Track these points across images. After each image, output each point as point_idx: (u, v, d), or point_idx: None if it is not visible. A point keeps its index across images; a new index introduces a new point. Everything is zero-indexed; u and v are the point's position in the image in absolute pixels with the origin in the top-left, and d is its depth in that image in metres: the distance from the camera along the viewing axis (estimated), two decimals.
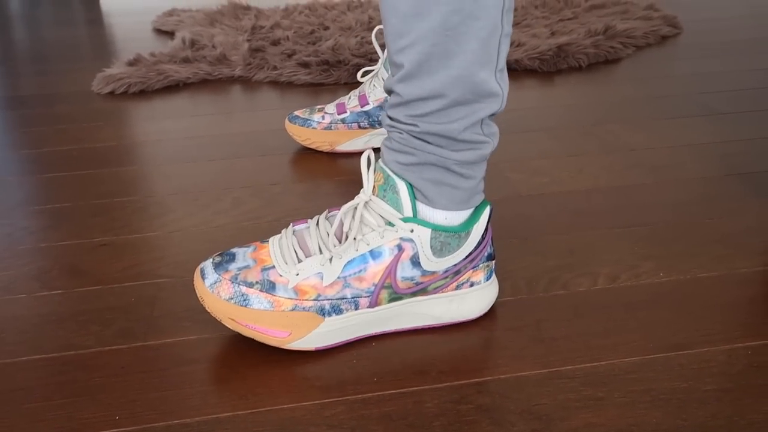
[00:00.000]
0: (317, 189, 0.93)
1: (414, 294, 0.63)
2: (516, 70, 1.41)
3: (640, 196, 0.88)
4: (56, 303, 0.69)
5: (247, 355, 0.62)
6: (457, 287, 0.64)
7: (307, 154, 1.03)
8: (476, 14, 0.52)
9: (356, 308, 0.61)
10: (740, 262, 0.73)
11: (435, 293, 0.63)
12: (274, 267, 0.61)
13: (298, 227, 0.64)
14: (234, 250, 0.64)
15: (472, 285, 0.64)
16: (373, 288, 0.61)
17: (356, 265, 0.60)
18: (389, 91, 0.59)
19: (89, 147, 1.08)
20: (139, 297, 0.70)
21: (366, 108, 1.00)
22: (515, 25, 1.67)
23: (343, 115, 1.01)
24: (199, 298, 0.62)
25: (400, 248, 0.60)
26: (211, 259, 0.63)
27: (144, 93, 1.33)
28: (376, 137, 1.03)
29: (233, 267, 0.62)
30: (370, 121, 1.01)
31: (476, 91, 0.55)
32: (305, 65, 1.38)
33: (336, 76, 1.36)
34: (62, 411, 0.56)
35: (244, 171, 0.98)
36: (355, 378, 0.59)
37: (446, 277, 0.63)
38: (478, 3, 0.52)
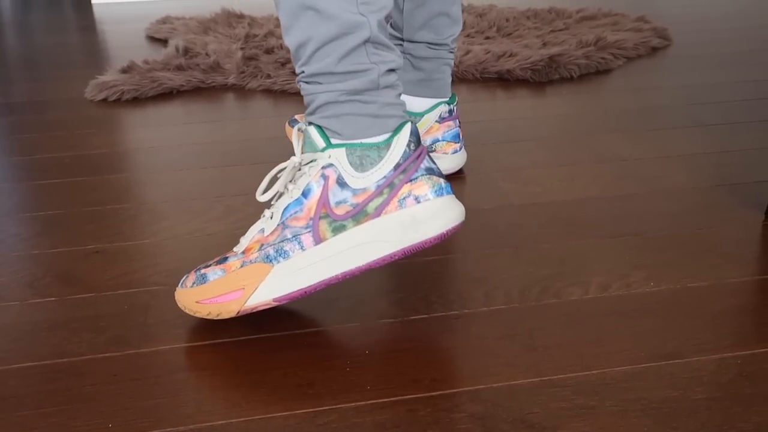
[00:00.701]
0: None
1: (356, 219, 0.62)
2: (508, 80, 1.42)
3: (631, 205, 0.89)
4: (48, 310, 0.69)
5: (240, 362, 0.62)
6: (400, 204, 0.62)
7: None
8: None
9: (301, 247, 0.63)
10: (730, 271, 0.74)
11: (378, 215, 0.62)
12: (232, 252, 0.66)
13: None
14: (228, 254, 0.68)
15: (418, 201, 0.62)
16: (311, 222, 0.62)
17: (292, 208, 0.63)
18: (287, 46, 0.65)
19: (82, 154, 1.08)
20: (132, 304, 0.70)
21: None
22: (507, 35, 1.69)
23: None
24: (178, 304, 0.66)
25: (324, 177, 0.62)
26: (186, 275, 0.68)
27: (137, 100, 1.33)
28: None
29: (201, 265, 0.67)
30: None
31: (337, 25, 0.59)
32: None
33: None
34: (54, 419, 0.56)
35: (237, 179, 0.98)
36: (347, 386, 0.59)
37: (380, 193, 0.62)
38: None
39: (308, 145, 0.63)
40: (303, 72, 0.62)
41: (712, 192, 0.92)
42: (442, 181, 0.64)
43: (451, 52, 0.96)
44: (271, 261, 0.62)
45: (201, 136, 1.14)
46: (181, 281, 0.66)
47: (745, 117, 1.19)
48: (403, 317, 0.67)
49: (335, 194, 0.62)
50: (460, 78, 1.44)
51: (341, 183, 0.62)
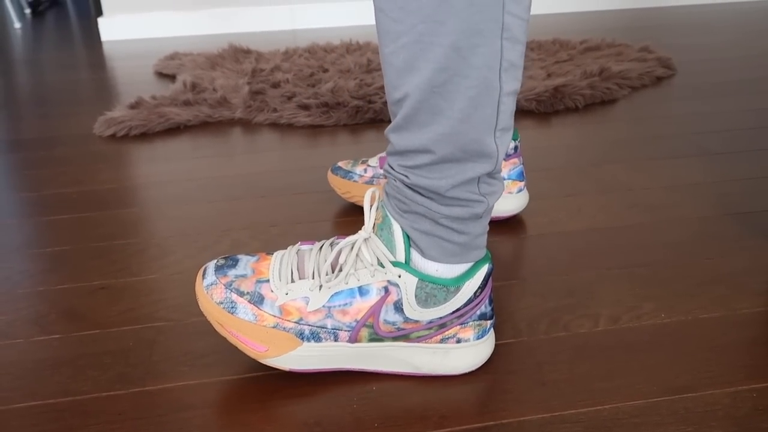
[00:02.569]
0: (316, 231, 0.93)
1: (395, 339, 0.62)
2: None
3: (638, 236, 0.88)
4: (53, 348, 0.69)
5: (247, 399, 0.61)
6: (442, 341, 0.63)
7: (307, 195, 1.04)
8: (465, 72, 0.52)
9: (335, 339, 0.62)
10: (740, 302, 0.73)
11: (417, 342, 0.63)
12: (268, 281, 0.63)
13: (303, 247, 0.65)
14: (239, 256, 0.66)
15: (459, 341, 0.63)
16: (354, 323, 0.61)
17: (343, 298, 0.61)
18: (387, 138, 0.60)
19: (89, 189, 1.08)
20: (137, 341, 0.69)
21: None
22: None
23: None
24: (196, 296, 0.64)
25: (386, 290, 0.60)
26: (215, 261, 0.65)
27: (145, 135, 1.34)
28: None
29: (232, 273, 0.64)
30: None
31: (466, 150, 0.55)
32: (305, 107, 1.40)
33: (336, 117, 1.37)
34: None
35: (243, 212, 0.98)
36: (355, 423, 0.58)
37: (430, 329, 0.62)
38: (467, 61, 0.52)
39: (386, 239, 0.60)
40: (405, 177, 0.57)
41: (720, 221, 0.91)
42: (488, 324, 0.64)
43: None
44: (303, 338, 0.61)
45: (208, 170, 1.15)
46: (207, 282, 0.62)
47: (750, 145, 1.18)
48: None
49: (387, 314, 0.60)
50: None
51: (398, 307, 0.60)
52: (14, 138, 1.36)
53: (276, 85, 1.55)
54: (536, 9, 2.56)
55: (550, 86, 1.45)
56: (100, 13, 2.79)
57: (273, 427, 0.58)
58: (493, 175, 0.58)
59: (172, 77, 1.79)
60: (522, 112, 1.42)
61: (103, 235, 0.93)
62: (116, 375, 0.64)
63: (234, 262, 0.65)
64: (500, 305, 0.74)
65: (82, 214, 1.00)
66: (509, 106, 0.55)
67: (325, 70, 1.67)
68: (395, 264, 0.59)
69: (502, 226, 0.92)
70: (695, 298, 0.74)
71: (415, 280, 0.59)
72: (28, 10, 3.12)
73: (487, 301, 0.63)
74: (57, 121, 1.45)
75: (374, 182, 0.96)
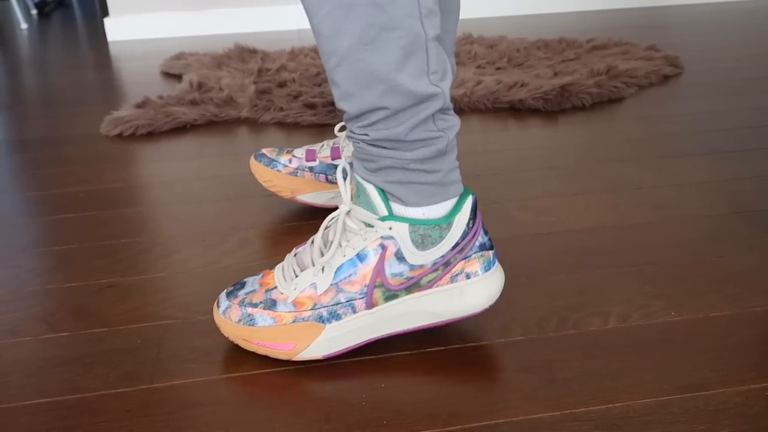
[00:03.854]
0: None
1: (408, 290, 0.63)
2: (520, 110, 1.43)
3: (647, 234, 0.88)
4: (62, 346, 0.69)
5: (255, 396, 0.61)
6: (452, 279, 0.64)
7: None
8: (391, 25, 0.54)
9: (354, 311, 0.63)
10: (752, 301, 0.73)
11: (430, 287, 0.64)
12: (276, 287, 0.65)
13: (299, 249, 0.67)
14: (245, 279, 0.68)
15: (468, 276, 0.64)
16: (365, 289, 0.62)
17: (346, 270, 0.62)
18: (340, 109, 0.61)
19: (95, 188, 1.08)
20: (145, 339, 0.69)
21: (337, 162, 0.93)
22: (518, 65, 1.70)
23: (311, 163, 0.94)
24: (218, 327, 0.65)
25: (383, 247, 0.61)
26: (224, 291, 0.67)
27: (151, 135, 1.34)
28: (340, 197, 0.95)
29: (242, 293, 0.66)
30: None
31: (412, 97, 0.57)
32: (311, 106, 1.40)
33: (341, 116, 1.37)
34: None
35: (250, 211, 0.98)
36: (364, 422, 0.58)
37: (436, 270, 0.63)
38: (390, 14, 0.54)
39: (365, 203, 0.62)
40: (366, 135, 0.60)
41: (729, 219, 0.91)
42: (491, 254, 0.65)
43: None
44: (323, 321, 0.63)
45: (214, 169, 1.14)
46: (223, 309, 0.65)
47: (758, 144, 1.18)
48: (419, 350, 0.66)
49: (392, 266, 0.62)
50: (471, 108, 1.45)
51: (399, 257, 0.62)
52: (21, 138, 1.36)
53: (282, 85, 1.55)
54: (542, 8, 2.55)
55: (556, 84, 1.44)
56: (106, 13, 2.80)
57: (281, 424, 0.58)
58: (444, 111, 0.60)
59: (178, 77, 1.79)
60: (529, 111, 1.42)
61: (110, 233, 0.93)
62: (124, 373, 0.64)
63: (242, 285, 0.67)
64: (509, 303, 0.73)
65: (88, 213, 1.00)
66: (435, 50, 0.57)
67: None
68: (383, 218, 0.61)
69: (508, 224, 0.91)
70: (705, 296, 0.74)
71: (406, 225, 0.61)
72: (34, 11, 3.13)
73: (482, 231, 0.64)
74: (63, 121, 1.45)
75: (298, 174, 0.94)
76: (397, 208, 0.62)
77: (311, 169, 0.94)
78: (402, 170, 0.60)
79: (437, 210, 0.62)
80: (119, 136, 1.34)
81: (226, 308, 0.65)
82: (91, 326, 0.72)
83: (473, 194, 0.63)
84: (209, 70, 1.71)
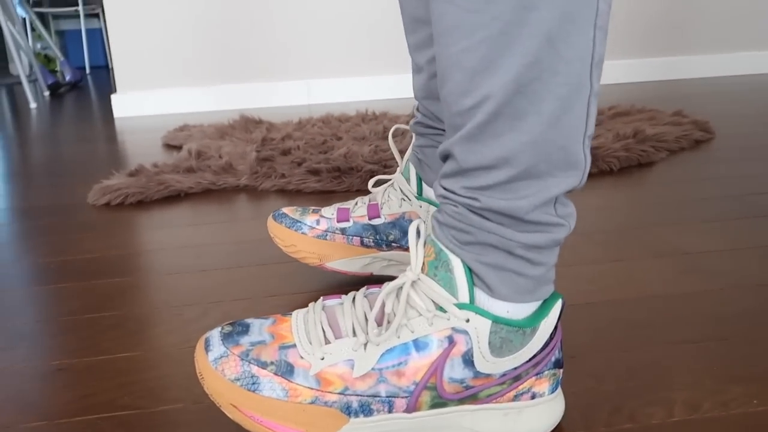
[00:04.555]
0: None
1: (462, 401, 0.49)
2: None
3: (704, 304, 0.74)
4: None
5: None
6: (516, 397, 0.50)
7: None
8: (556, 68, 0.42)
9: (390, 410, 0.49)
10: None
11: (486, 402, 0.50)
12: (295, 346, 0.50)
13: (329, 302, 0.53)
14: (249, 320, 0.53)
15: (533, 397, 0.51)
16: (413, 387, 0.48)
17: (396, 356, 0.48)
18: (444, 156, 0.49)
19: (69, 259, 0.97)
20: None
21: (375, 222, 0.79)
22: None
23: (344, 224, 0.79)
24: (198, 375, 0.50)
25: (451, 341, 0.48)
26: (219, 329, 0.52)
27: (142, 204, 1.24)
28: (379, 262, 0.81)
29: (245, 341, 0.50)
30: (376, 239, 0.79)
31: (552, 161, 0.45)
32: (315, 172, 1.29)
33: (348, 183, 1.26)
34: None
35: (239, 282, 0.85)
36: None
37: (503, 383, 0.49)
38: (560, 55, 0.42)
39: (443, 280, 0.48)
40: (475, 200, 0.46)
41: None
42: (560, 373, 0.53)
43: None
44: (349, 413, 0.49)
45: (205, 237, 1.03)
46: (215, 356, 0.49)
47: None
48: None
49: (454, 368, 0.48)
50: None
51: (467, 360, 0.48)
52: (4, 207, 1.26)
53: (286, 153, 1.45)
54: None
55: None
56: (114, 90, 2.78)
57: None
58: (567, 193, 0.48)
59: (179, 148, 1.71)
60: None
61: (75, 308, 0.80)
62: None
63: (245, 328, 0.52)
64: None
65: (55, 285, 0.87)
66: (595, 108, 0.46)
67: (339, 138, 1.58)
68: (461, 306, 0.47)
69: None
70: None
71: (488, 323, 0.47)
72: (46, 93, 3.13)
73: (559, 345, 0.51)
74: (52, 191, 1.36)
75: (327, 237, 0.79)
76: (481, 298, 0.48)
77: (343, 231, 0.79)
78: (505, 254, 0.47)
79: (523, 310, 0.49)
80: (107, 205, 1.24)
81: (221, 356, 0.49)
82: (29, 419, 0.58)
83: (562, 297, 0.50)
84: (211, 140, 1.63)
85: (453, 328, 0.48)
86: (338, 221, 0.80)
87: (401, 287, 0.49)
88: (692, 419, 0.54)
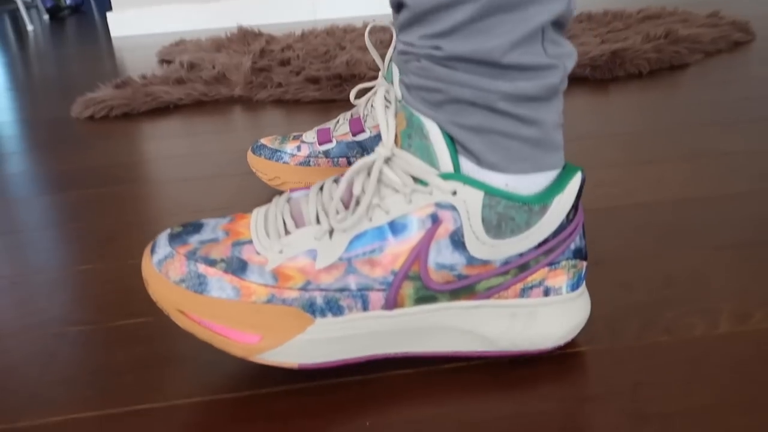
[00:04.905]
0: None
1: (455, 294, 0.41)
2: None
3: (749, 207, 0.64)
4: None
5: None
6: (523, 293, 0.41)
7: None
8: None
9: (365, 307, 0.40)
10: None
11: (488, 297, 0.41)
12: (250, 242, 0.42)
13: (296, 194, 0.44)
14: (204, 220, 0.45)
15: (547, 293, 0.41)
16: (391, 277, 0.40)
17: (368, 242, 0.40)
18: (397, 4, 0.38)
19: (42, 171, 0.88)
20: (29, 354, 0.48)
21: (360, 137, 0.70)
22: None
23: (326, 146, 0.71)
24: (144, 281, 0.42)
25: (435, 219, 0.39)
26: (169, 230, 0.44)
27: (128, 117, 1.15)
28: None
29: (195, 239, 0.43)
30: (364, 156, 0.71)
31: None
32: (314, 80, 1.19)
33: (349, 91, 1.15)
34: None
35: (222, 191, 0.77)
36: None
37: (506, 273, 0.40)
38: None
39: (419, 150, 0.39)
40: (437, 49, 0.37)
41: None
42: (584, 267, 0.43)
43: None
44: (314, 312, 0.40)
45: (194, 147, 0.94)
46: (159, 257, 0.42)
47: None
48: (437, 366, 0.44)
49: (441, 254, 0.39)
50: None
51: (456, 242, 0.39)
52: None
53: (284, 63, 1.34)
54: None
55: (606, 50, 1.21)
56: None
57: None
58: (562, 25, 0.38)
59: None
60: (574, 81, 1.18)
61: (32, 223, 0.72)
62: None
63: (197, 228, 0.44)
64: None
65: (23, 197, 0.79)
66: None
67: (342, 48, 1.46)
68: (446, 176, 0.38)
69: None
70: None
71: (479, 195, 0.38)
72: (45, 16, 3.01)
73: (581, 231, 0.42)
74: (30, 106, 1.27)
75: (311, 163, 0.70)
76: (469, 169, 0.39)
77: (327, 153, 0.71)
78: (485, 111, 0.38)
79: (527, 183, 0.40)
80: (91, 118, 1.15)
81: (165, 258, 0.42)
82: None
83: (582, 171, 0.40)
84: (206, 53, 1.52)
85: (437, 204, 0.39)
86: (320, 144, 0.71)
87: (372, 165, 0.40)
88: (741, 331, 0.45)
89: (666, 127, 0.89)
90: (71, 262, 0.62)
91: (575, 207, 0.41)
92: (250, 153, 0.74)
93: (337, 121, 0.72)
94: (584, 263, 0.42)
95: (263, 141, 0.74)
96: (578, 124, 0.92)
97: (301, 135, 0.73)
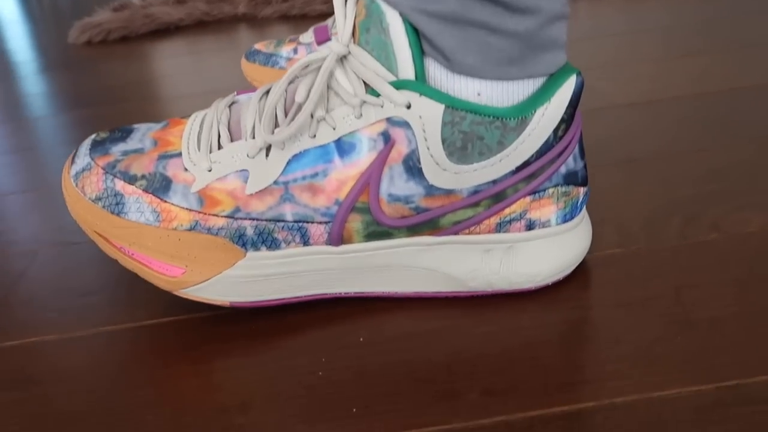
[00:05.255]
0: None
1: (413, 230, 0.34)
2: None
3: None
4: None
5: (147, 362, 0.34)
6: (500, 227, 0.34)
7: None
8: None
9: (304, 241, 0.34)
10: None
11: (455, 233, 0.34)
12: (179, 155, 0.35)
13: (242, 96, 0.37)
14: (138, 125, 0.39)
15: (531, 226, 0.34)
16: (335, 208, 0.33)
17: (309, 164, 0.33)
18: None
19: (41, 92, 0.83)
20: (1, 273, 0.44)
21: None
22: None
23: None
24: (69, 209, 0.36)
25: (387, 139, 0.32)
26: (94, 135, 0.38)
27: (127, 40, 1.08)
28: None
29: (118, 149, 0.36)
30: None
31: None
32: None
33: None
34: None
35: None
36: (319, 404, 0.30)
37: (475, 204, 0.33)
38: None
39: (376, 46, 0.31)
40: None
41: None
42: (581, 193, 0.35)
43: None
44: (244, 245, 0.34)
45: (194, 65, 0.88)
46: (77, 169, 0.36)
47: None
48: None
49: (394, 183, 0.33)
50: None
51: (411, 168, 0.32)
52: None
53: None
54: None
55: None
56: None
57: (179, 412, 0.31)
58: None
59: None
60: None
61: (48, 140, 0.67)
62: None
63: (125, 134, 0.38)
64: (602, 197, 0.44)
65: (23, 116, 0.75)
66: None
67: None
68: (399, 84, 0.31)
69: (587, 96, 0.61)
70: None
71: (439, 109, 0.31)
72: None
73: (577, 150, 0.34)
74: (39, 34, 1.22)
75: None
76: (437, 74, 0.32)
77: None
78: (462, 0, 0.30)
79: (506, 92, 0.32)
80: (88, 43, 1.09)
81: (82, 170, 0.36)
82: None
83: (579, 73, 0.32)
84: None
85: (389, 120, 0.31)
86: (318, 44, 0.62)
87: (322, 64, 0.32)
88: None
89: (708, 19, 0.79)
90: (45, 183, 0.57)
91: (567, 120, 0.32)
92: (243, 60, 0.67)
93: (334, 20, 0.64)
94: (581, 189, 0.35)
95: (257, 46, 0.66)
96: (611, 20, 0.83)
97: (298, 37, 0.66)
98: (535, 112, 0.32)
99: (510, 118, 0.31)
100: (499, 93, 0.32)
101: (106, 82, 0.86)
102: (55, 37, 1.16)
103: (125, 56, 0.97)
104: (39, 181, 0.57)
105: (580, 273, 0.36)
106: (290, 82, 0.34)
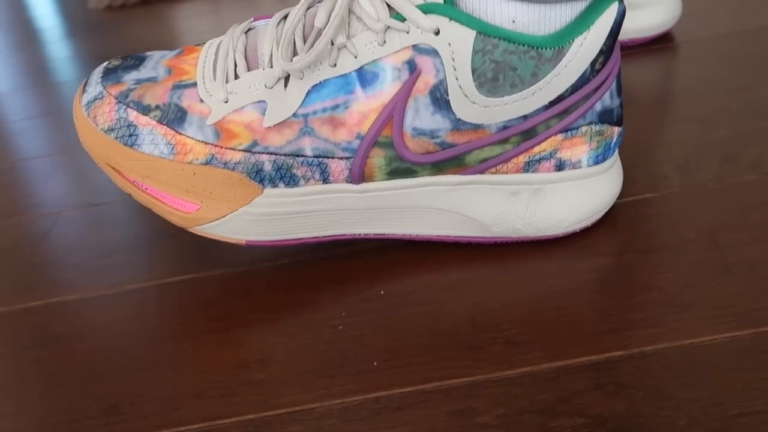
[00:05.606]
0: None
1: (438, 167, 0.32)
2: None
3: None
4: None
5: (168, 321, 0.34)
6: (528, 166, 0.32)
7: None
8: None
9: (325, 179, 0.33)
10: None
11: (481, 172, 0.33)
12: (195, 84, 0.33)
13: (259, 22, 0.35)
14: (150, 52, 0.37)
15: (560, 167, 0.33)
16: (356, 142, 0.32)
17: (330, 95, 0.31)
18: None
19: (58, 58, 0.83)
20: (21, 236, 0.44)
21: None
22: None
23: None
24: (82, 141, 0.36)
25: (413, 68, 0.30)
26: (107, 63, 0.37)
27: (148, 3, 1.07)
28: None
29: (130, 77, 0.35)
30: None
31: None
32: None
33: None
34: None
35: None
36: (332, 363, 0.30)
37: (504, 141, 0.32)
38: None
39: None
40: None
41: None
42: (615, 134, 0.33)
43: None
44: (262, 181, 0.33)
45: (216, 23, 0.87)
46: (89, 98, 0.34)
47: None
48: None
49: (420, 115, 0.31)
50: None
51: (438, 100, 0.30)
52: None
53: None
54: None
55: None
56: None
57: (199, 369, 0.30)
58: None
59: None
60: None
61: (41, 109, 0.68)
62: None
63: (138, 61, 0.36)
64: (630, 136, 0.42)
65: (51, 80, 0.75)
66: None
67: None
68: (426, 8, 0.29)
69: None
70: None
71: (471, 35, 0.29)
72: None
73: (614, 86, 0.32)
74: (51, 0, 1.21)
75: None
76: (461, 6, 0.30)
77: None
78: None
79: (543, 20, 0.30)
80: (108, 8, 1.08)
81: (94, 99, 0.34)
82: None
83: (621, 2, 0.30)
84: None
85: (415, 47, 0.30)
86: None
87: None
88: None
89: None
90: (69, 147, 0.57)
91: (606, 52, 0.30)
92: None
93: None
94: (616, 129, 0.33)
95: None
96: None
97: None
98: (573, 41, 0.30)
99: (546, 48, 0.30)
100: (536, 20, 0.30)
101: (128, 45, 0.86)
102: (77, 3, 1.16)
103: (146, 18, 0.97)
104: (63, 145, 0.57)
105: (609, 218, 0.35)
106: (309, 7, 0.33)
